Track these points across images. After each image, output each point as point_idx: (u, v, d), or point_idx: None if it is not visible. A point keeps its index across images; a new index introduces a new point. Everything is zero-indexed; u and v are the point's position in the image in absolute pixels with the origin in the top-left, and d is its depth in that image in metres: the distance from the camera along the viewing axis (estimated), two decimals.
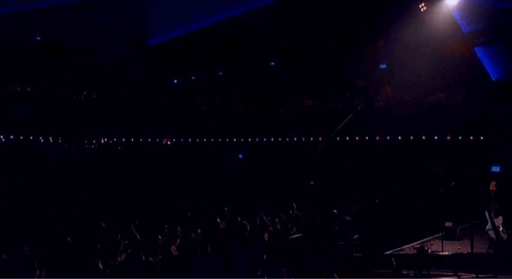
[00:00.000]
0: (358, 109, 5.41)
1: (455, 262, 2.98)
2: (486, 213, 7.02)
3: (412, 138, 12.93)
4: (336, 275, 3.04)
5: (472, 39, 12.24)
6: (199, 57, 17.55)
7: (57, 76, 16.10)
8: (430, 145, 12.70)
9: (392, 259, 3.04)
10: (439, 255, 3.14)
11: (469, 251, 5.70)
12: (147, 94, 18.14)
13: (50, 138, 15.41)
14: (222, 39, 16.24)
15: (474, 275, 2.87)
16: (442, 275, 2.88)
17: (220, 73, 18.53)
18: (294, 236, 8.80)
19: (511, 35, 11.70)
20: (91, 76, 16.84)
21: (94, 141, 17.00)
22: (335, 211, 8.12)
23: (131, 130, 17.33)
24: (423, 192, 11.78)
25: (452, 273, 2.82)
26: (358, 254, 3.23)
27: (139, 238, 7.58)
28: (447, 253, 3.11)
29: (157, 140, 17.46)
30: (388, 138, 13.33)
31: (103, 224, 8.27)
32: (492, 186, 7.08)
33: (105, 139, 16.99)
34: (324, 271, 3.07)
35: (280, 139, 15.17)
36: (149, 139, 17.40)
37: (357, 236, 7.90)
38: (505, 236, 6.82)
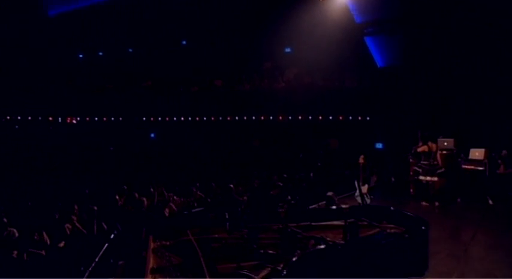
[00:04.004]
0: None
1: (290, 216, 3.70)
2: (355, 182, 8.24)
3: (310, 117, 14.11)
4: (189, 232, 3.51)
5: (362, 29, 13.62)
6: (107, 31, 16.73)
7: None
8: (326, 124, 14.01)
9: (226, 213, 3.60)
10: (278, 211, 3.83)
11: None
12: (48, 69, 16.84)
13: None
14: (131, 14, 15.69)
15: (295, 224, 3.61)
16: (273, 226, 3.56)
17: (130, 50, 17.93)
18: (196, 210, 9.31)
19: (393, 27, 13.26)
20: None
21: None
22: (231, 186, 8.76)
23: (30, 107, 16.05)
24: (319, 166, 13.05)
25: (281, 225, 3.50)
26: (212, 214, 3.76)
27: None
28: (283, 210, 3.81)
29: (60, 119, 16.44)
30: (290, 118, 14.35)
31: None
32: (361, 159, 8.26)
33: None
34: (180, 230, 3.52)
35: (190, 118, 15.38)
36: (51, 118, 16.30)
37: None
38: (368, 201, 8.14)
